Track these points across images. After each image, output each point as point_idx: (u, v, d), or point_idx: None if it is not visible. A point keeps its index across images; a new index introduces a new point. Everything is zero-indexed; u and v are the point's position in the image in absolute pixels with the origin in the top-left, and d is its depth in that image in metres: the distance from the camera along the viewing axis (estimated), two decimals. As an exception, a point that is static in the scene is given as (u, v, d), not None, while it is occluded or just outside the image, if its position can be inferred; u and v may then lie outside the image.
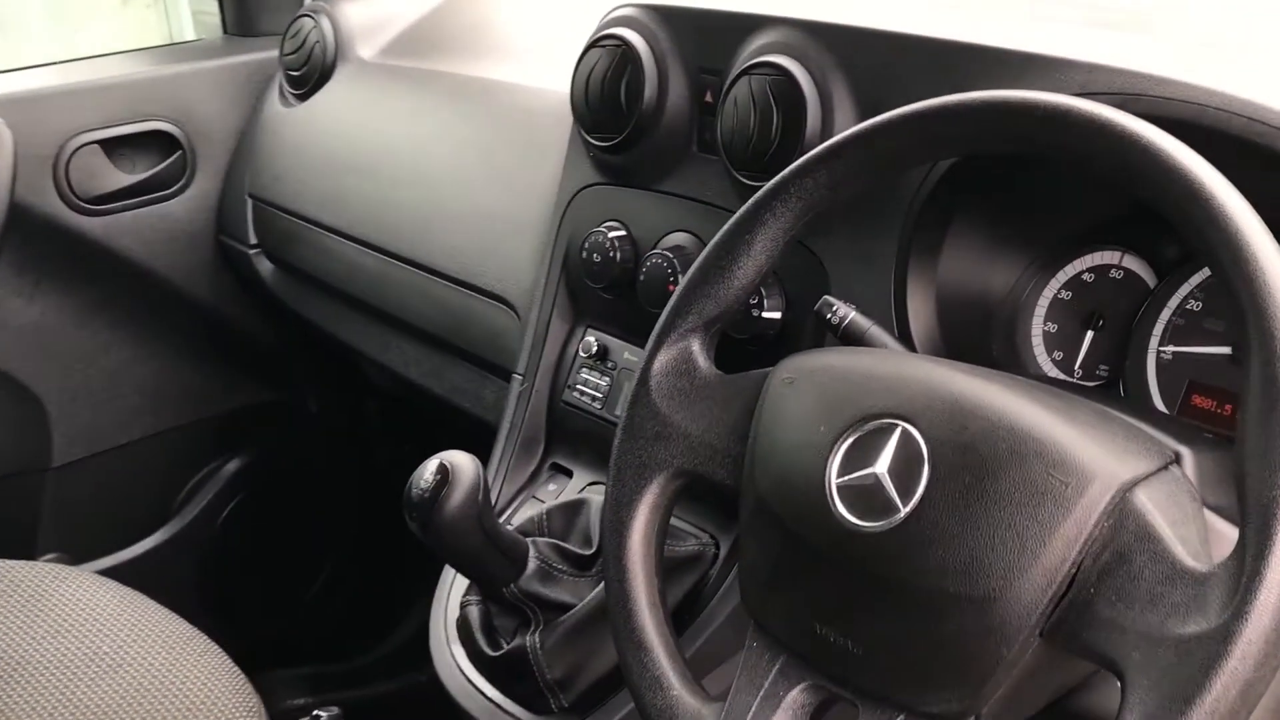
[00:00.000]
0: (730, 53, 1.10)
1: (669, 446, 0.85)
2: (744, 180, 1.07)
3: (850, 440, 0.74)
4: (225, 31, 1.93)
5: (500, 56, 1.62)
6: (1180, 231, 0.67)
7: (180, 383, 1.90)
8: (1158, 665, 0.60)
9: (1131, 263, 0.99)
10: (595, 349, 1.24)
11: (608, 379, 1.23)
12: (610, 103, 1.17)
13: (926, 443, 0.70)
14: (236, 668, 1.23)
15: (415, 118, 1.56)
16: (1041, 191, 1.00)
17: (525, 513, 1.22)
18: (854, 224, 1.00)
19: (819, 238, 1.02)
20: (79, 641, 1.19)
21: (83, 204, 1.67)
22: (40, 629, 1.20)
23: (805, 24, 1.04)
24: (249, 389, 1.98)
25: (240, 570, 2.01)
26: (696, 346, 0.86)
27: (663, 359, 0.86)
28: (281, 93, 1.75)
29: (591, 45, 1.20)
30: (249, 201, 1.76)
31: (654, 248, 1.16)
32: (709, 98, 1.13)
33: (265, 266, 1.79)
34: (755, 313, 1.06)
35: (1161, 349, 0.96)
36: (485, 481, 0.97)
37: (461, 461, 0.98)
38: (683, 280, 0.86)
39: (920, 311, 0.99)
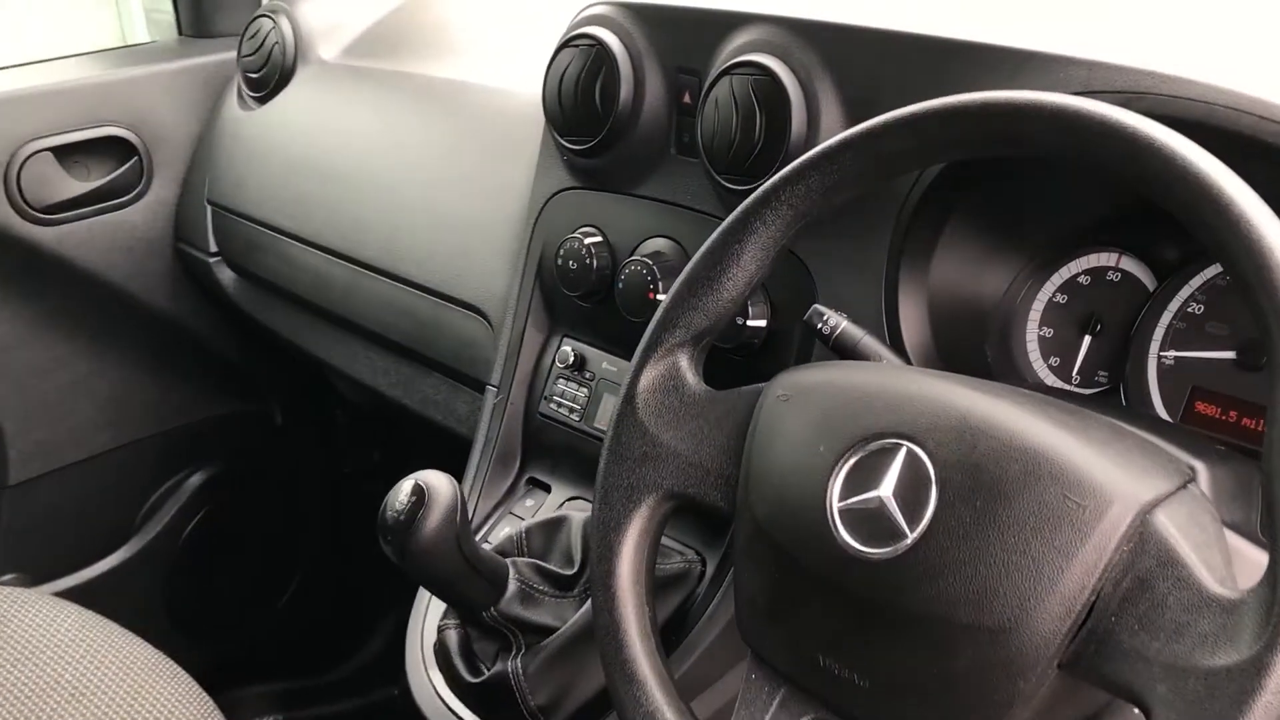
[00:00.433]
0: (709, 52, 1.06)
1: (658, 468, 0.81)
2: (726, 184, 1.03)
3: (852, 461, 0.70)
4: (180, 32, 1.88)
5: (466, 56, 1.58)
6: (1198, 237, 0.64)
7: (140, 395, 1.85)
8: (1186, 699, 0.57)
9: (1129, 265, 0.96)
10: (572, 359, 1.21)
11: (586, 390, 1.20)
12: (584, 104, 1.14)
13: (933, 464, 0.67)
14: (203, 693, 1.19)
15: (380, 120, 1.52)
16: (1035, 192, 0.97)
17: (503, 531, 1.19)
18: (842, 228, 0.97)
19: (805, 242, 0.98)
20: (38, 670, 1.14)
21: (35, 213, 1.62)
22: (-4, 657, 1.15)
23: (788, 21, 1.00)
24: (211, 400, 1.94)
25: (205, 587, 1.97)
26: (685, 362, 0.83)
27: (649, 375, 0.82)
28: (240, 95, 1.71)
29: (564, 45, 1.16)
30: (208, 208, 1.71)
31: (632, 254, 1.13)
32: (687, 98, 1.10)
33: (226, 275, 1.75)
34: (740, 321, 1.03)
35: (1162, 354, 0.94)
36: (463, 502, 0.94)
37: (438, 482, 0.95)
38: (669, 292, 0.83)
39: (912, 318, 0.96)
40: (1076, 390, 0.98)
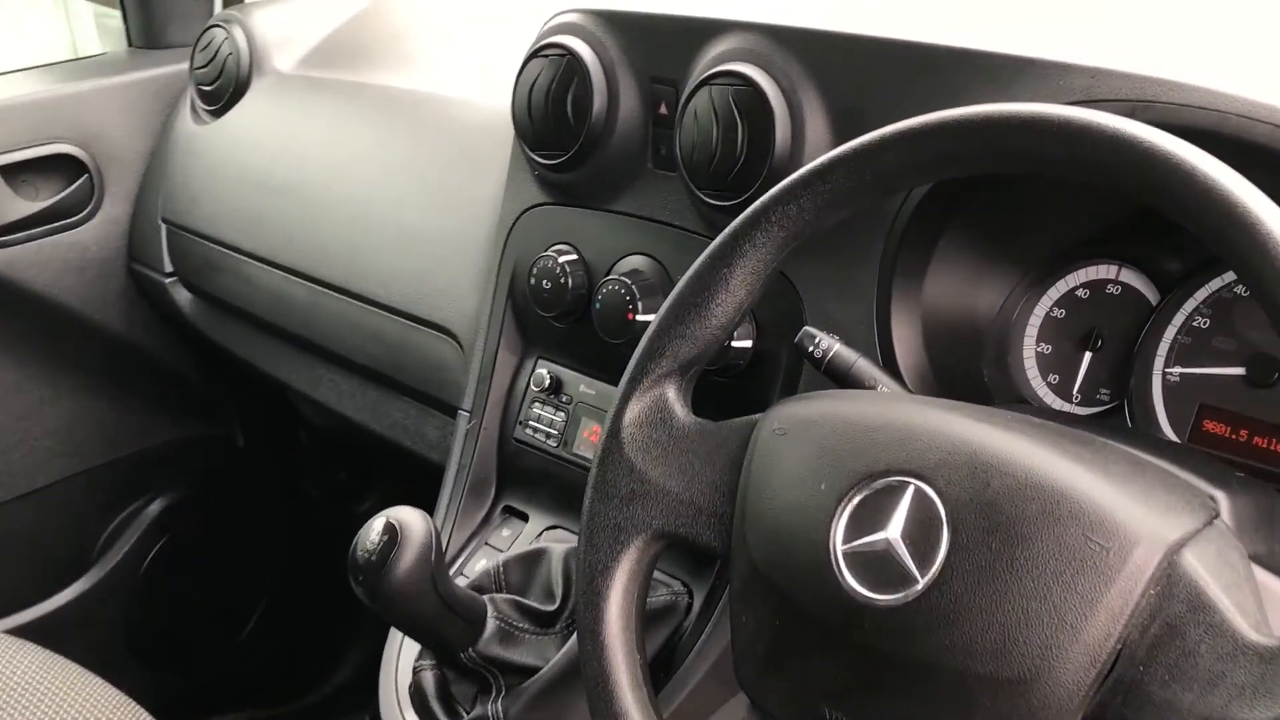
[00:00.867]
0: (686, 61, 1.02)
1: (646, 506, 0.77)
2: (707, 200, 0.99)
3: (855, 501, 0.66)
4: (130, 44, 1.83)
5: (430, 66, 1.54)
6: (1220, 255, 0.61)
7: (95, 421, 1.80)
8: None
9: (1130, 277, 0.93)
10: (548, 382, 1.17)
11: (563, 414, 1.15)
12: (556, 117, 1.09)
13: (944, 503, 0.63)
14: None
15: (340, 133, 1.47)
16: (1030, 202, 0.93)
17: (479, 563, 1.14)
18: (830, 244, 0.93)
19: (792, 260, 0.93)
20: (-6, 717, 1.10)
21: (-18, 236, 1.57)
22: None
23: (769, 29, 0.96)
24: (170, 425, 1.90)
25: (167, 617, 1.93)
26: (672, 393, 0.78)
27: (635, 408, 0.78)
28: (194, 109, 1.66)
29: (533, 55, 1.12)
30: (163, 227, 1.67)
31: (609, 273, 1.09)
32: (664, 110, 1.05)
33: (183, 296, 1.70)
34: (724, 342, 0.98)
35: (1168, 370, 0.90)
36: (438, 539, 0.90)
37: (410, 519, 0.91)
38: (654, 320, 0.78)
39: (906, 338, 0.93)
40: (1078, 410, 0.94)
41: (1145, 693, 0.58)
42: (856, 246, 0.92)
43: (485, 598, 0.99)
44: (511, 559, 1.05)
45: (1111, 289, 0.94)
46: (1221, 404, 0.88)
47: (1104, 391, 0.94)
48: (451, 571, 1.15)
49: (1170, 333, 0.90)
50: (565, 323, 1.13)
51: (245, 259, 1.54)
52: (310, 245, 1.44)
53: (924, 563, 0.63)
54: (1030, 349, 0.97)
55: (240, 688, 2.01)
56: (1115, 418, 0.93)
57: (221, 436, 1.97)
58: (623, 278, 1.05)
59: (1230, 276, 0.87)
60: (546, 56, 1.10)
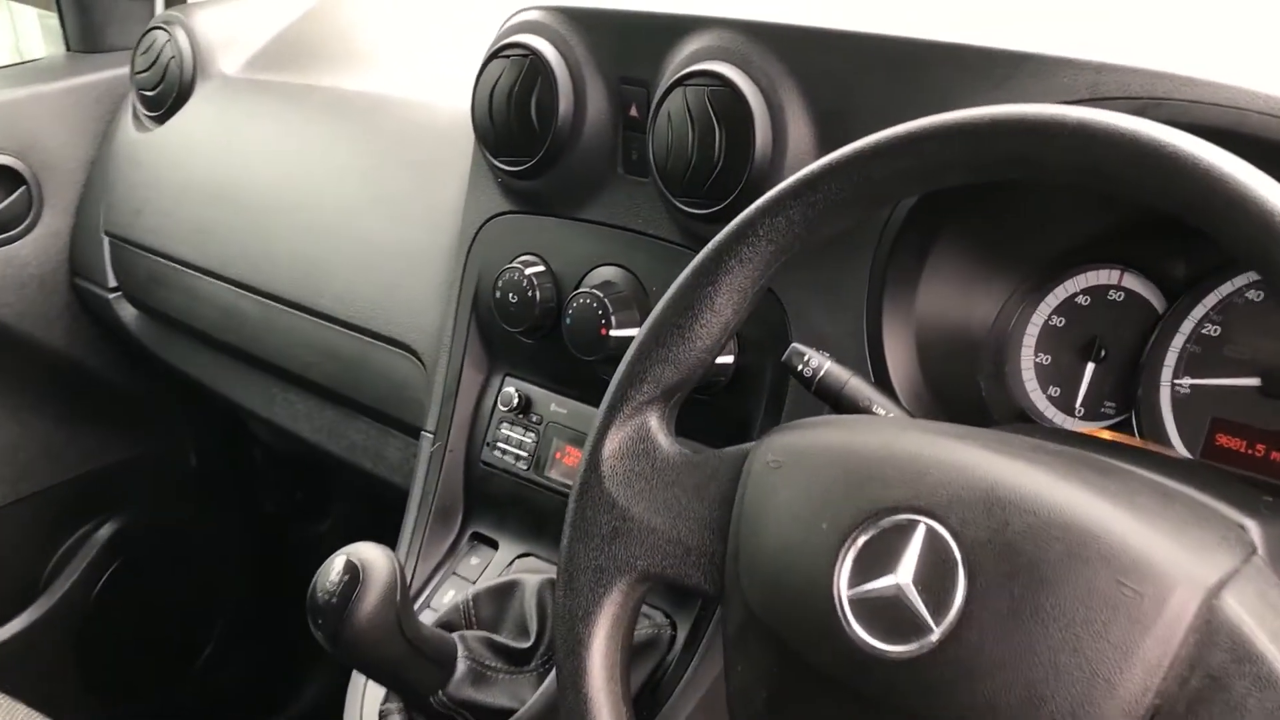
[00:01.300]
0: (657, 60, 0.96)
1: (629, 545, 0.71)
2: (683, 207, 0.93)
3: (861, 541, 0.61)
4: (68, 48, 1.75)
5: (384, 67, 1.47)
6: (1253, 268, 0.55)
7: (39, 443, 1.73)
8: None
9: (1133, 282, 0.87)
10: (516, 401, 1.11)
11: (533, 435, 1.09)
12: (519, 121, 1.03)
13: (959, 545, 0.58)
14: None
15: (291, 139, 1.40)
16: (1026, 205, 0.88)
17: (446, 595, 1.08)
18: (817, 254, 0.86)
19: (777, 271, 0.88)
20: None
21: (-86, 253, 1.50)
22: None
23: (746, 25, 0.90)
24: (118, 445, 1.83)
25: (120, 648, 1.87)
26: (655, 421, 0.72)
27: (615, 439, 0.72)
28: (135, 115, 1.59)
29: (493, 55, 1.05)
30: (105, 240, 1.60)
31: (579, 285, 1.03)
32: (634, 112, 0.99)
33: (128, 311, 1.63)
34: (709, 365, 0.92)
35: (1177, 382, 0.85)
36: (403, 577, 0.84)
37: (373, 557, 0.86)
38: (633, 343, 0.72)
39: (898, 351, 0.87)
40: (1083, 424, 0.89)
41: None
42: (844, 256, 0.86)
43: (455, 636, 0.93)
44: (482, 592, 0.99)
45: (1114, 295, 0.88)
46: (1235, 417, 0.83)
47: (1109, 404, 0.89)
48: (418, 604, 1.09)
49: (1179, 341, 0.85)
50: (534, 338, 1.07)
51: (192, 273, 1.47)
52: (261, 258, 1.38)
53: (939, 610, 0.57)
54: (1029, 360, 0.92)
55: (196, 718, 1.94)
56: (1121, 431, 0.87)
57: (173, 456, 1.90)
58: (594, 290, 0.99)
59: (1242, 281, 0.82)
60: (508, 57, 1.04)
